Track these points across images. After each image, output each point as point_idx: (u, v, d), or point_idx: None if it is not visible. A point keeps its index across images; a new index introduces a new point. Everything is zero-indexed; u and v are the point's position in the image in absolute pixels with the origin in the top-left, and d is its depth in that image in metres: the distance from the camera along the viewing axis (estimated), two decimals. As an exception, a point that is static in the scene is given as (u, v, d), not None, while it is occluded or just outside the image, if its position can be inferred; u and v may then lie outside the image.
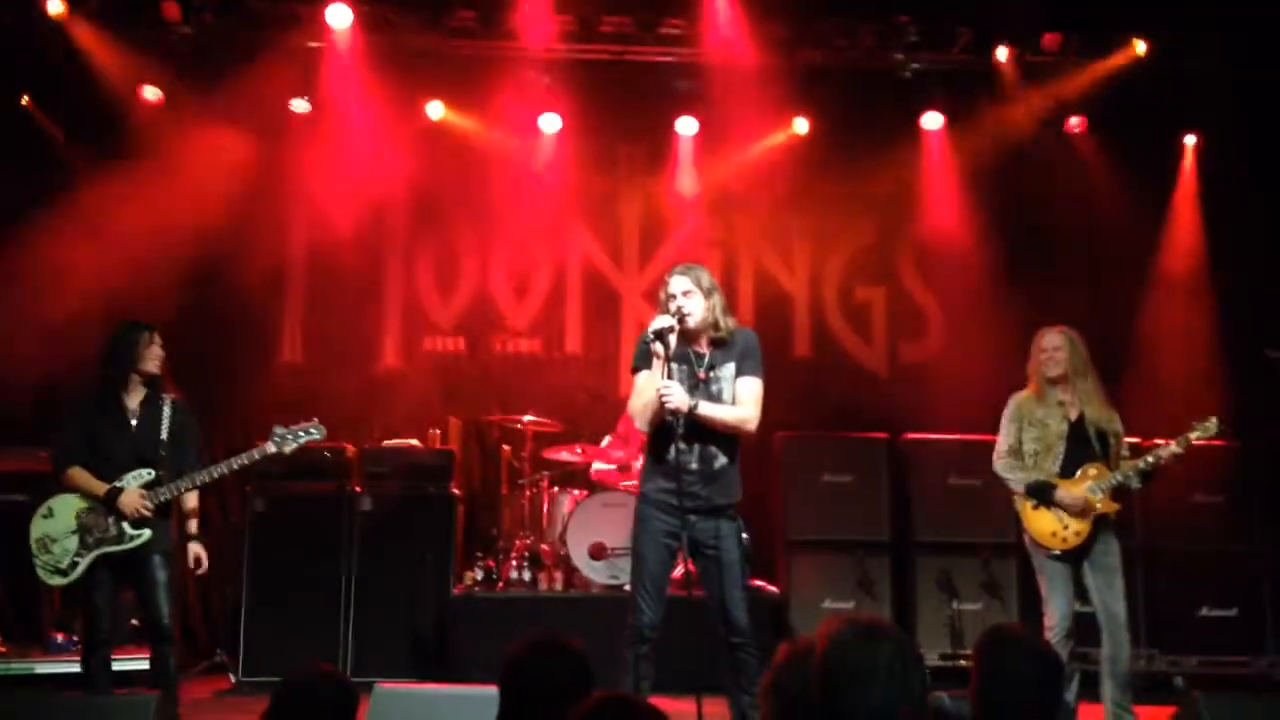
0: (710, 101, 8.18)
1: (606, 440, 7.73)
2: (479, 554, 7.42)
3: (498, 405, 7.68)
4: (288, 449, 5.19)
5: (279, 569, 6.94)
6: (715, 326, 4.61)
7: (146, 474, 5.09)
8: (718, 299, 4.64)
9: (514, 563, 7.26)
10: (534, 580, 7.23)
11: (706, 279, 4.67)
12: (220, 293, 7.94)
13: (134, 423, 5.14)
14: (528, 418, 7.54)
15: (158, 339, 5.21)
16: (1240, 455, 7.25)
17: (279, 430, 5.20)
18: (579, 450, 7.64)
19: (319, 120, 8.10)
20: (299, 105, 8.03)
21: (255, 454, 5.17)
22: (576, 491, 7.53)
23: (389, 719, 4.12)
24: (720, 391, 4.57)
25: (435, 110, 8.27)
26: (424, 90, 8.18)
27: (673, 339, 4.46)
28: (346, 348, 8.39)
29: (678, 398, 4.40)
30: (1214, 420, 5.31)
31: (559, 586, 7.21)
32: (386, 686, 4.33)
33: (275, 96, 7.91)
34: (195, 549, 5.21)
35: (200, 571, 5.24)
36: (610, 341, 8.68)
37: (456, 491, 7.32)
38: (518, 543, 7.39)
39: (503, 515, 7.62)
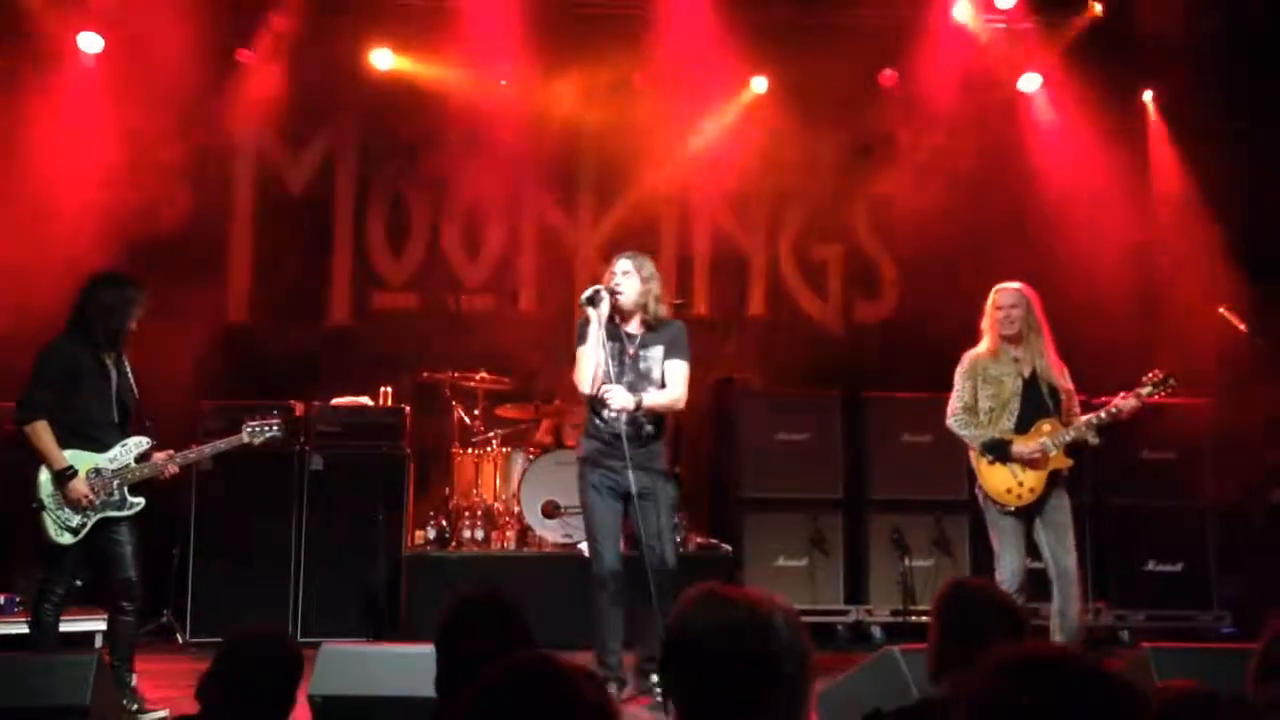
0: (667, 56, 8.06)
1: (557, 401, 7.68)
2: (431, 513, 7.36)
3: (450, 363, 7.59)
4: (258, 441, 5.46)
5: (227, 528, 6.83)
6: (645, 309, 5.09)
7: (146, 442, 5.18)
8: (654, 287, 5.12)
9: (466, 521, 7.21)
10: (486, 539, 7.19)
11: (648, 269, 5.15)
12: (164, 250, 7.74)
13: (114, 382, 5.14)
14: (480, 376, 7.47)
15: (146, 302, 5.24)
16: (1188, 412, 7.32)
17: (250, 424, 5.46)
18: (532, 409, 7.58)
19: (265, 71, 7.90)
20: (244, 55, 7.82)
21: (234, 441, 5.42)
22: (530, 450, 7.48)
23: (335, 677, 4.08)
24: (649, 370, 5.09)
25: (384, 59, 8.09)
26: (373, 39, 8.00)
27: (605, 305, 4.96)
28: (295, 305, 8.26)
29: (620, 399, 4.91)
30: (1168, 376, 5.36)
31: (511, 545, 7.18)
32: (332, 645, 4.30)
33: (219, 45, 7.69)
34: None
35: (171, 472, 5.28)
36: (565, 298, 8.59)
37: (408, 450, 7.23)
38: (470, 501, 7.34)
39: (455, 474, 7.55)
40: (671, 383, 5.10)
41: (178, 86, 7.47)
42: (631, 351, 5.08)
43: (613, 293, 5.02)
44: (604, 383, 4.94)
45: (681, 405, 5.20)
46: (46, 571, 5.08)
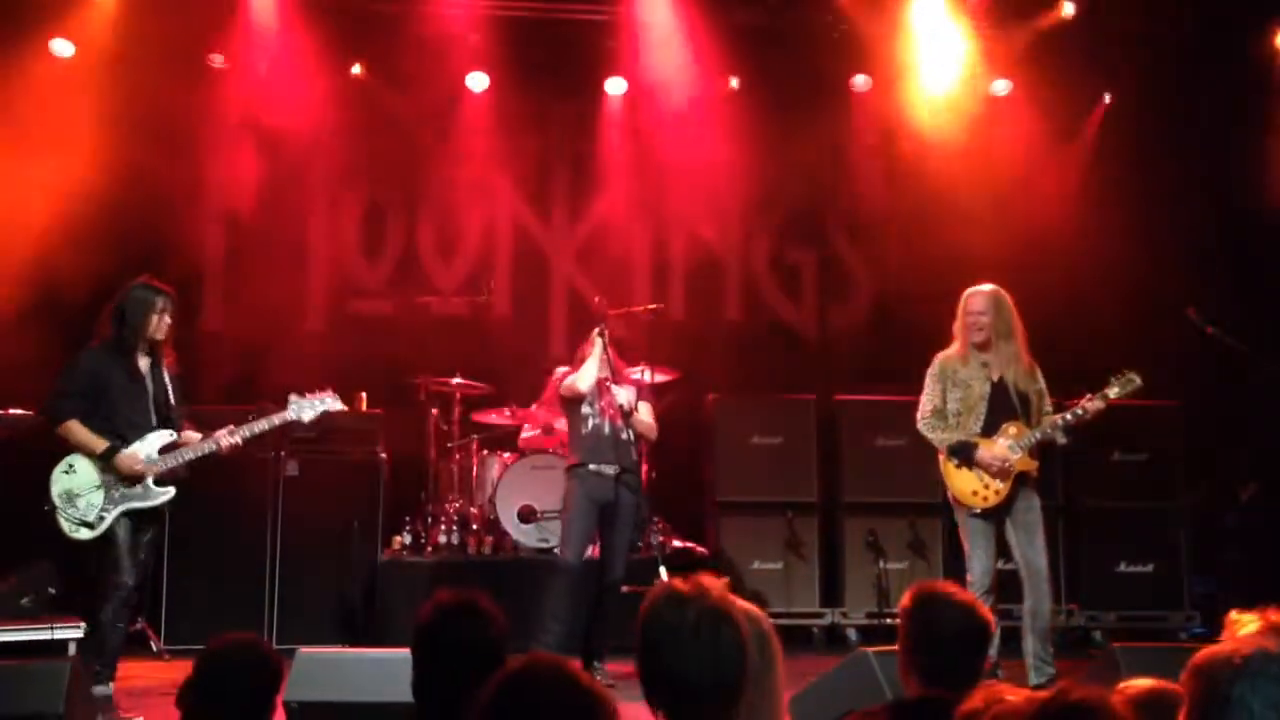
0: (640, 61, 8.09)
1: (534, 406, 7.68)
2: (407, 518, 7.35)
3: (425, 367, 7.59)
4: (306, 417, 5.36)
5: (202, 535, 6.78)
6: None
7: (168, 435, 5.21)
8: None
9: (442, 527, 7.21)
10: (463, 544, 7.19)
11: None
12: (137, 257, 7.69)
13: (150, 390, 5.19)
14: (456, 380, 7.47)
15: (170, 307, 5.21)
16: (1159, 414, 7.40)
17: (294, 398, 5.35)
18: (508, 413, 7.58)
19: (239, 77, 7.88)
20: (217, 60, 7.79)
21: (275, 420, 5.32)
22: (505, 454, 7.48)
23: (310, 683, 4.08)
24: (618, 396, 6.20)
25: (356, 68, 8.08)
26: (348, 47, 7.99)
27: (606, 336, 6.09)
28: (270, 312, 8.21)
29: (624, 396, 6.04)
30: (1134, 375, 5.40)
31: (488, 550, 7.18)
32: (308, 651, 4.30)
33: (192, 50, 7.66)
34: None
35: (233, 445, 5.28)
36: (540, 303, 8.61)
37: (384, 455, 7.22)
38: (446, 507, 7.33)
39: (431, 479, 7.54)
40: (644, 416, 6.19)
41: (151, 92, 7.45)
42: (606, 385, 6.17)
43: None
44: (619, 393, 6.03)
45: (653, 436, 6.33)
46: (106, 573, 5.10)
